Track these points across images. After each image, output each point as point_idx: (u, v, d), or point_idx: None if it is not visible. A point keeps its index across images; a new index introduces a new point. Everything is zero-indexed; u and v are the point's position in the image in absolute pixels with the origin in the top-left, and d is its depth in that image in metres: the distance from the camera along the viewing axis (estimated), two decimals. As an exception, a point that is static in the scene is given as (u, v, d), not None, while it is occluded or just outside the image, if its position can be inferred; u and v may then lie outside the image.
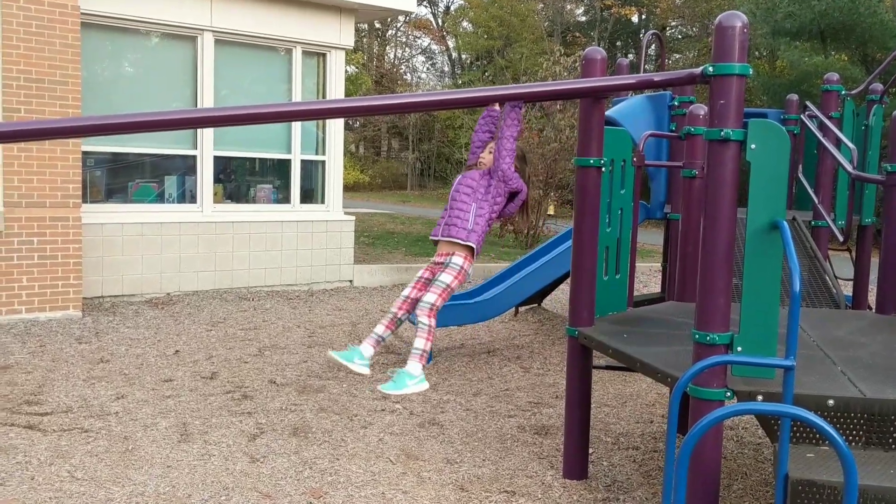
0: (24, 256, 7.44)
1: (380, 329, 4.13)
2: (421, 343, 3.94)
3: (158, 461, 4.28)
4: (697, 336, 3.18)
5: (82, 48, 7.78)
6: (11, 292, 7.40)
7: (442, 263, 4.01)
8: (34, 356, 6.28)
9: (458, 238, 3.91)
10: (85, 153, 8.16)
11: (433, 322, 3.94)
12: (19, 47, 7.31)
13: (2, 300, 7.36)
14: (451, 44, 41.76)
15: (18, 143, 7.28)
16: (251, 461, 4.33)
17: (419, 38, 42.35)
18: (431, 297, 3.93)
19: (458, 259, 3.97)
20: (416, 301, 4.06)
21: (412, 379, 3.95)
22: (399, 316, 4.13)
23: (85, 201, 8.26)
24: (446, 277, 3.96)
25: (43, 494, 3.81)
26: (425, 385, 4.01)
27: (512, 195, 4.06)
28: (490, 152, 4.03)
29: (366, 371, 4.16)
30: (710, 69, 3.18)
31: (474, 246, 3.96)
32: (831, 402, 3.07)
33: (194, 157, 9.22)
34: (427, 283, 4.11)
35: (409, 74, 41.88)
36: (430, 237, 4.07)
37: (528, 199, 4.23)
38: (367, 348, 4.12)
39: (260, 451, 4.47)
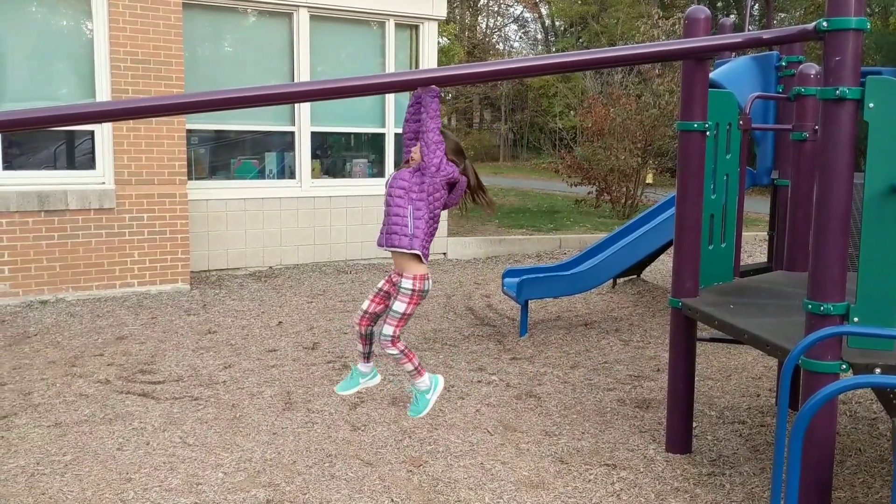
0: (135, 232, 7.77)
1: (361, 347, 3.97)
2: (409, 366, 3.80)
3: (264, 428, 4.42)
4: (811, 306, 3.03)
5: (184, 29, 8.00)
6: (124, 266, 7.75)
7: (394, 283, 3.78)
8: (146, 327, 6.57)
9: (401, 247, 3.61)
10: (189, 131, 8.43)
11: (402, 346, 3.77)
12: (125, 29, 7.58)
13: (115, 274, 7.72)
14: (544, 11, 41.08)
15: (128, 122, 7.58)
16: (352, 429, 4.41)
17: (511, 6, 41.80)
18: (389, 330, 3.67)
19: (408, 283, 3.65)
20: (374, 315, 3.84)
21: (427, 391, 3.86)
22: (364, 331, 3.91)
23: (190, 178, 8.55)
24: (399, 306, 3.66)
25: (157, 459, 4.00)
26: (440, 382, 3.91)
27: (450, 185, 3.76)
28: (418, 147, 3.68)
29: (377, 378, 4.07)
30: (825, 24, 3.00)
31: (419, 252, 3.68)
32: (958, 376, 2.88)
33: (292, 133, 9.40)
34: (385, 297, 3.82)
35: (501, 44, 41.48)
36: (377, 245, 3.77)
37: (479, 184, 3.90)
38: (362, 366, 4.02)
39: (360, 420, 4.56)
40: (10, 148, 7.43)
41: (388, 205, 3.69)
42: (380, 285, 3.86)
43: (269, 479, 3.80)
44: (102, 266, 7.64)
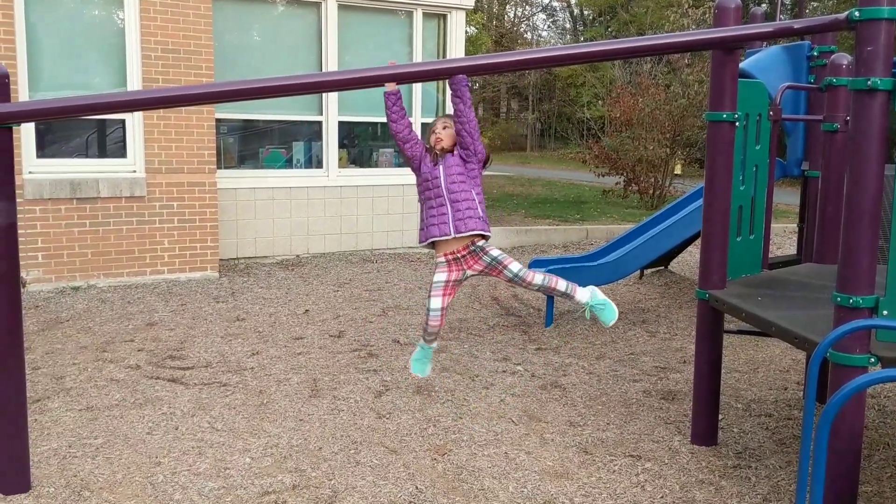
0: (165, 220, 7.87)
1: (434, 342, 4.17)
2: (562, 284, 3.91)
3: (291, 415, 4.47)
4: (839, 299, 3.00)
5: (213, 18, 8.06)
6: (154, 254, 7.85)
7: (467, 255, 3.85)
8: (176, 314, 6.66)
9: (478, 230, 3.74)
10: (218, 121, 8.50)
11: (542, 271, 3.94)
12: (156, 19, 7.65)
13: (146, 261, 7.82)
14: (572, 0, 40.82)
15: (158, 111, 7.66)
16: (377, 417, 4.45)
17: (539, -5, 41.59)
18: (516, 266, 3.83)
19: (496, 251, 3.86)
20: (447, 309, 3.99)
21: (596, 296, 4.00)
22: (441, 330, 4.06)
23: (219, 167, 8.63)
24: (510, 263, 3.85)
25: (186, 443, 4.06)
26: (594, 287, 4.07)
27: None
28: (445, 128, 3.84)
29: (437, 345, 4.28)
30: (857, 14, 2.96)
31: (490, 235, 3.84)
32: None
33: (320, 122, 9.45)
34: (455, 286, 3.94)
35: (529, 33, 41.28)
36: (440, 237, 3.80)
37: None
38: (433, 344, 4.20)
39: (386, 408, 4.59)
40: (43, 136, 7.54)
41: (449, 192, 3.76)
42: (442, 278, 3.91)
43: (296, 464, 3.84)
44: (133, 253, 7.75)
